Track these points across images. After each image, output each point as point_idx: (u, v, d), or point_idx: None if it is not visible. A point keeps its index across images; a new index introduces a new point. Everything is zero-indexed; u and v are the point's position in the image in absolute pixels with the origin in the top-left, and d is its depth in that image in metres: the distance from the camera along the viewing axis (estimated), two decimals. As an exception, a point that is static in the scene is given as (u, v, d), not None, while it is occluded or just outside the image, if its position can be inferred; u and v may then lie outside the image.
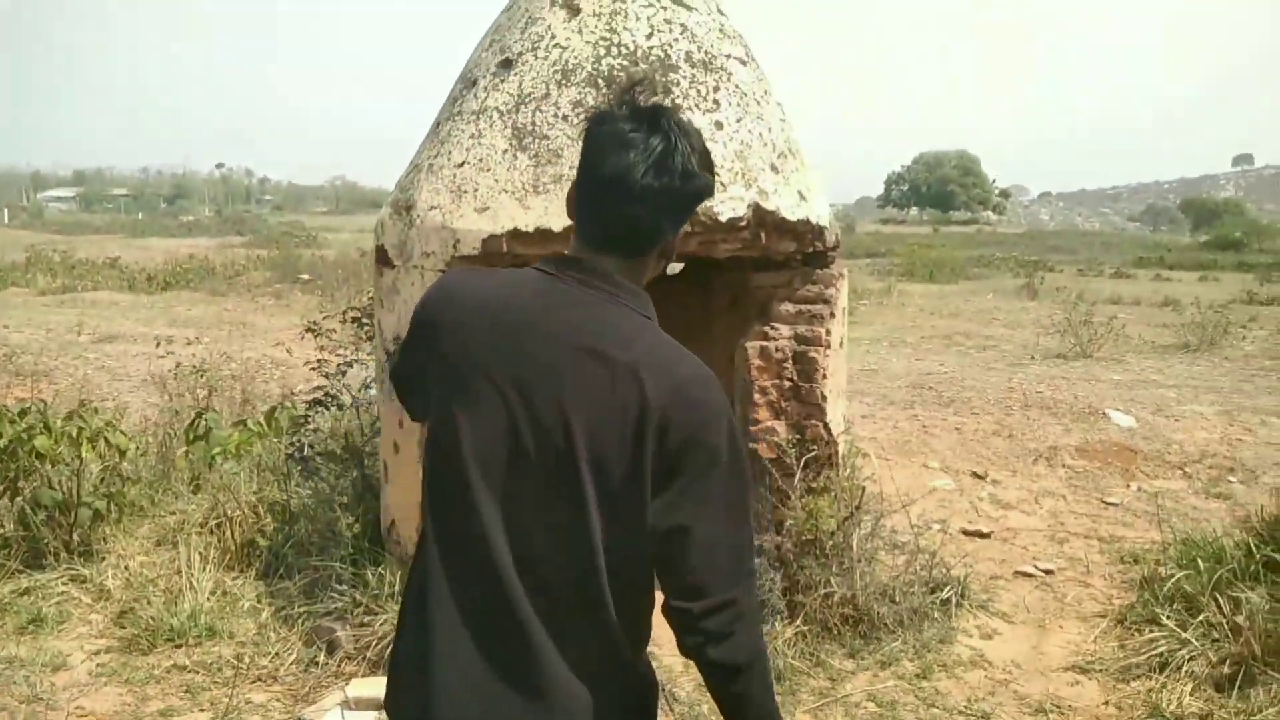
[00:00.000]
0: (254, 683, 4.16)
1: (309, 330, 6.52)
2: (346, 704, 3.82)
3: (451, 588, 1.58)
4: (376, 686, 3.96)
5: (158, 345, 9.03)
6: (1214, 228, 54.79)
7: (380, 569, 4.56)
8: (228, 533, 5.24)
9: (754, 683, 1.59)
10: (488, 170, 4.08)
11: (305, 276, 21.43)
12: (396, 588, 4.45)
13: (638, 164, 1.53)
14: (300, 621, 4.52)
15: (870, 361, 11.04)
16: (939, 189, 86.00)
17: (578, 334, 1.56)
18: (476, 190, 4.06)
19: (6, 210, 66.67)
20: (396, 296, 4.40)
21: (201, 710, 3.88)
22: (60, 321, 14.01)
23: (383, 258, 4.52)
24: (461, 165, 4.16)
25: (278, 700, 3.99)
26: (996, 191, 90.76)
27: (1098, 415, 7.77)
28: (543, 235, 3.95)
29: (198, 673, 4.17)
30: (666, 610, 1.60)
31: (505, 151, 4.10)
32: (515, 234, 3.95)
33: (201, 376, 8.51)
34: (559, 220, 3.91)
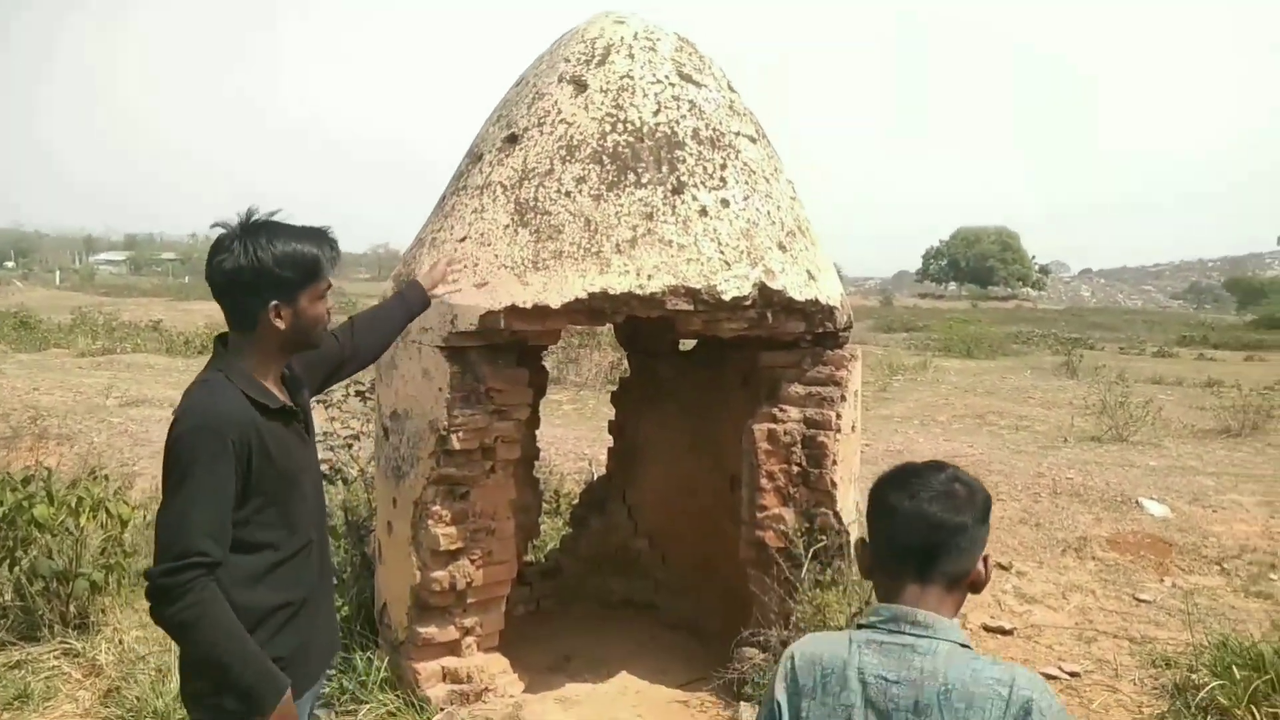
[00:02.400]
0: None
1: (319, 402, 6.46)
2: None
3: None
4: (356, 780, 3.79)
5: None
6: (1260, 306, 53.85)
7: (369, 654, 4.41)
8: (225, 609, 5.11)
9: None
10: (488, 245, 4.01)
11: (341, 343, 21.52)
12: (384, 674, 4.30)
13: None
14: (289, 705, 4.36)
15: (897, 441, 10.78)
16: (977, 264, 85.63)
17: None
18: (477, 265, 3.98)
19: (59, 272, 68.50)
20: (395, 372, 4.32)
21: (177, 800, 3.71)
22: (92, 384, 14.13)
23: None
24: (463, 240, 4.10)
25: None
26: (1036, 267, 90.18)
27: (1130, 504, 7.45)
28: (540, 312, 3.85)
29: (180, 758, 4.03)
30: None
31: (507, 226, 4.03)
32: (513, 310, 3.86)
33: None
34: (557, 297, 3.82)
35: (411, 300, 3.23)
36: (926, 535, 1.68)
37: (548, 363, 16.68)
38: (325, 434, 6.21)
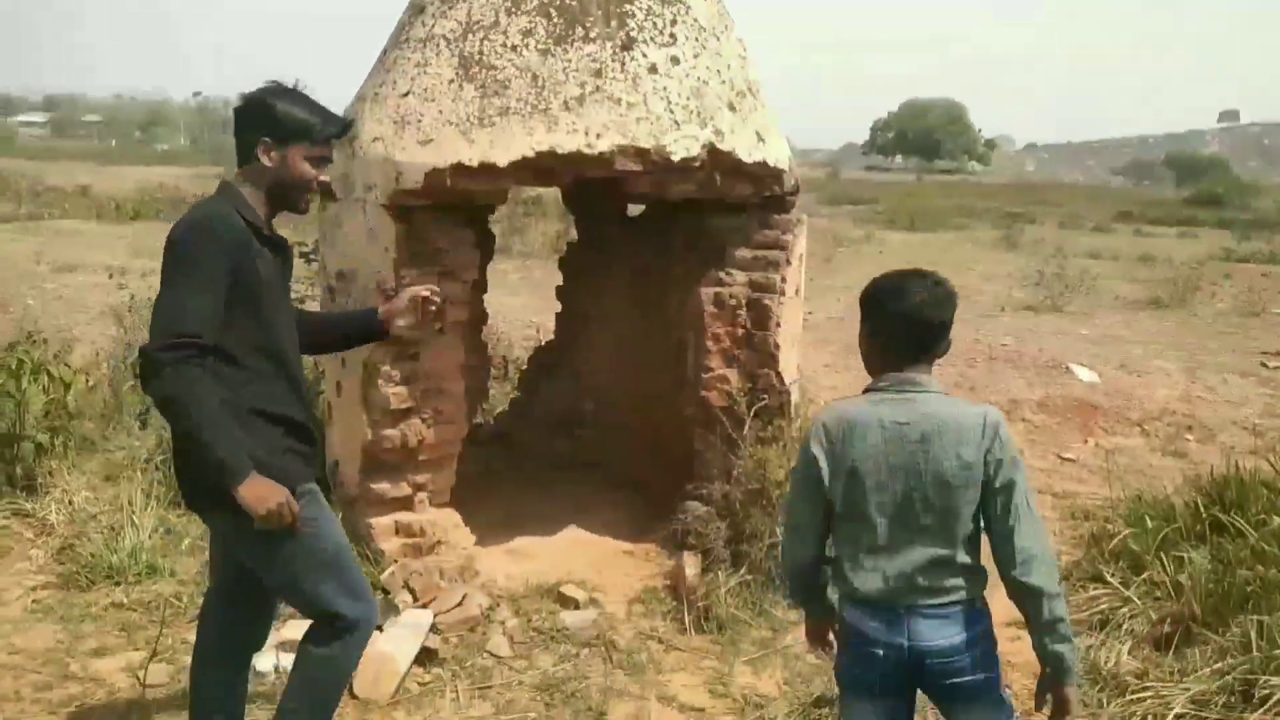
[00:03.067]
0: (191, 621, 4.08)
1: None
2: (283, 645, 3.76)
3: None
4: (313, 628, 3.92)
5: (110, 276, 8.80)
6: (1198, 184, 54.72)
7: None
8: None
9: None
10: (432, 101, 3.93)
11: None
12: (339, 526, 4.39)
13: None
14: (243, 559, 4.45)
15: (839, 309, 10.97)
16: (925, 137, 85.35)
17: None
18: (420, 121, 3.91)
19: (-26, 134, 65.14)
20: (339, 231, 4.27)
21: (136, 649, 3.81)
22: (21, 251, 13.71)
23: (326, 191, 4.38)
24: (406, 95, 4.00)
25: (213, 640, 3.93)
26: (982, 141, 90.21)
27: (1061, 370, 7.74)
28: (487, 171, 3.81)
29: (135, 611, 4.12)
30: None
31: (451, 81, 3.94)
32: (459, 168, 3.81)
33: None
34: (504, 155, 3.78)
35: (361, 326, 3.21)
36: (924, 333, 2.28)
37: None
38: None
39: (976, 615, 2.29)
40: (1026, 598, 2.21)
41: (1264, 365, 8.67)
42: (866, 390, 2.35)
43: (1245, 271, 16.43)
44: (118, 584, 4.26)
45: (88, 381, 6.43)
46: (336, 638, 2.70)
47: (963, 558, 2.26)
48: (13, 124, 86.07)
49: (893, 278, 2.34)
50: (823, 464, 2.28)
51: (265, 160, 2.60)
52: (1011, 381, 7.45)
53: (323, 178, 2.70)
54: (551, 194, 17.07)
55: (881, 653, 2.25)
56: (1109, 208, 37.11)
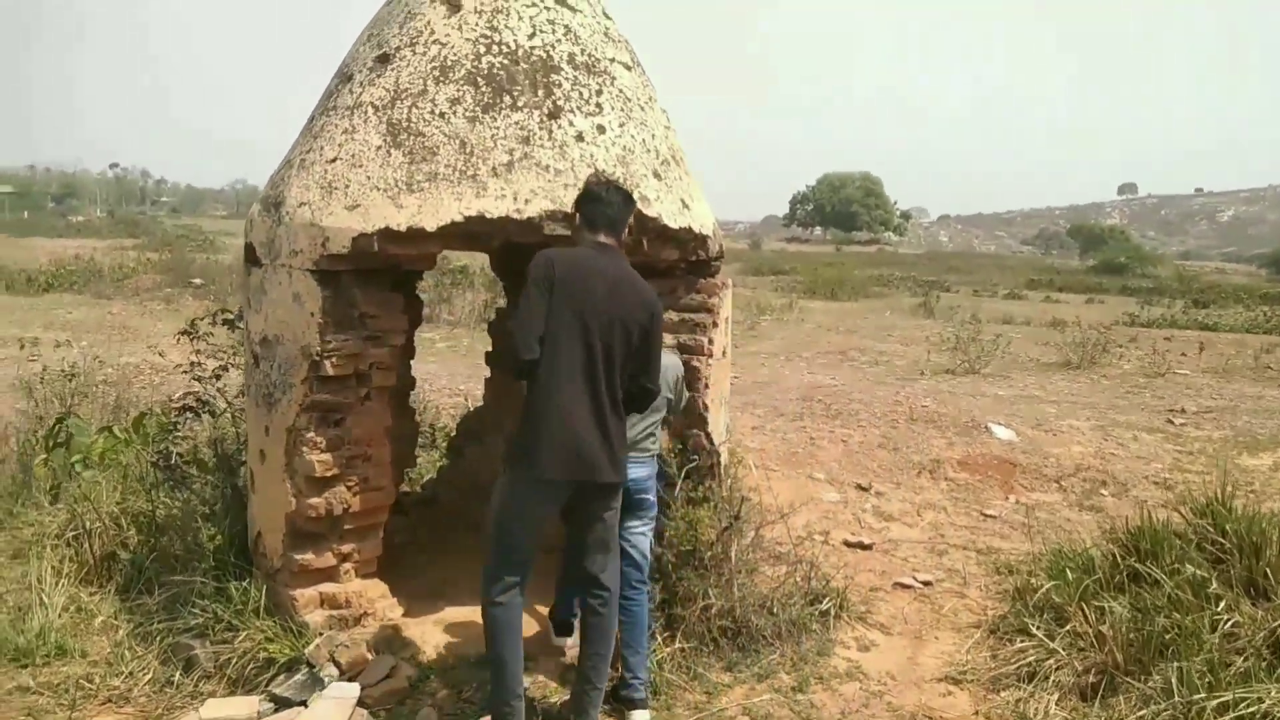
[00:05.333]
0: (104, 704, 3.93)
1: (184, 333, 6.21)
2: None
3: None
4: (232, 707, 3.77)
5: (23, 348, 8.51)
6: (1101, 253, 57.12)
7: (245, 583, 4.35)
8: (86, 545, 4.96)
9: None
10: (360, 166, 3.94)
11: (198, 281, 20.65)
12: (261, 602, 4.25)
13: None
14: (159, 639, 4.30)
15: (764, 374, 11.12)
16: (843, 209, 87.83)
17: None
18: (348, 187, 3.91)
19: (-124, 206, 62.75)
20: (264, 297, 4.21)
21: (43, 736, 3.62)
22: (-82, 323, 13.19)
23: (251, 256, 4.34)
24: (333, 161, 4.01)
25: (127, 722, 3.77)
26: (898, 213, 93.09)
27: (980, 429, 7.93)
28: (416, 235, 3.82)
29: (42, 694, 3.93)
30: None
31: (379, 148, 3.96)
32: (387, 233, 3.81)
33: (70, 381, 8.09)
34: (433, 220, 3.79)
35: None
36: None
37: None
38: (192, 364, 6.02)
39: None
40: None
41: (1170, 422, 9.01)
42: None
43: (1149, 335, 17.13)
44: (24, 666, 4.07)
45: (-15, 451, 6.20)
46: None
47: None
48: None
49: None
50: None
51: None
52: (933, 441, 7.61)
53: None
54: (479, 263, 17.09)
55: None
56: (1019, 276, 38.52)
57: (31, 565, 4.77)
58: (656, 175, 4.23)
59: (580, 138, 4.06)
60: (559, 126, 4.05)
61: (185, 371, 6.15)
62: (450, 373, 10.26)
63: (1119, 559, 4.48)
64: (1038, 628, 4.23)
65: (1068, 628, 4.14)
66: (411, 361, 5.46)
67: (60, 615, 4.38)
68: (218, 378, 6.03)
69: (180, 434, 5.98)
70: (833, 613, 4.51)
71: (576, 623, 4.04)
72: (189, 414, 5.99)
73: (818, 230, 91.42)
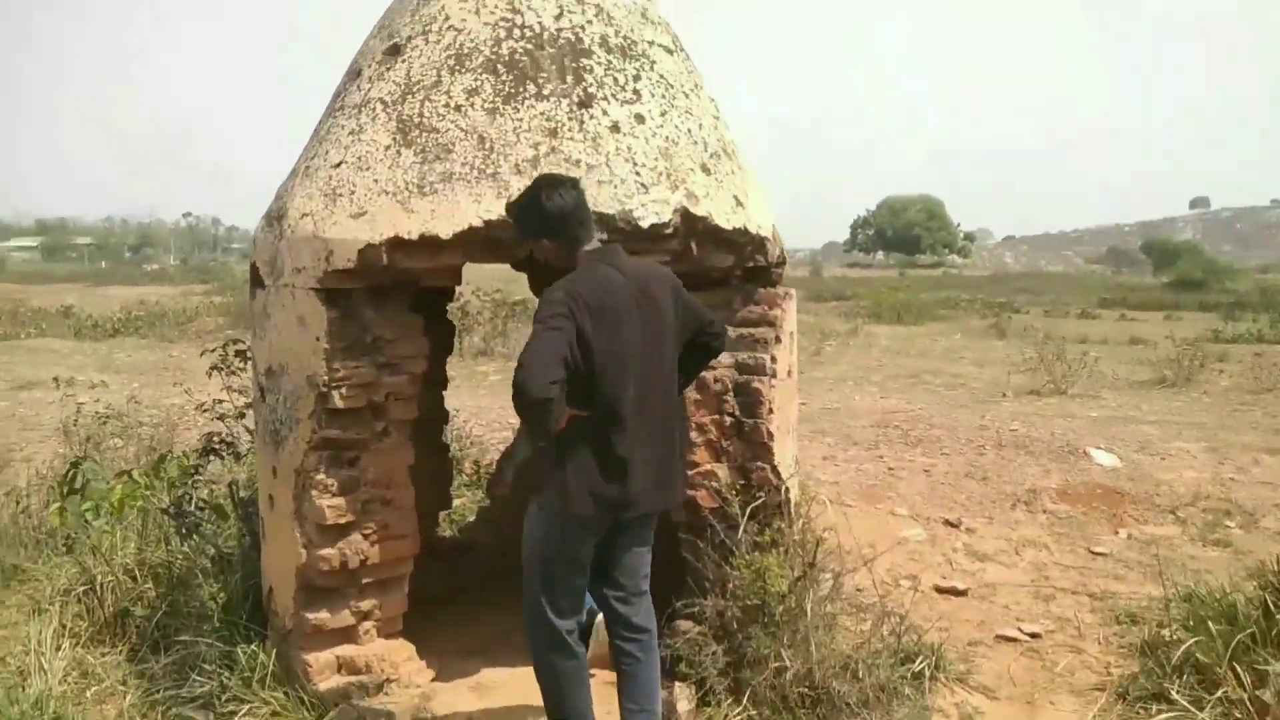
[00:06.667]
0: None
1: (214, 368, 5.82)
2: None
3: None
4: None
5: (57, 387, 8.24)
6: (1175, 269, 55.19)
7: (254, 646, 3.85)
8: (97, 601, 4.54)
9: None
10: (367, 169, 3.45)
11: (260, 322, 20.68)
12: (270, 669, 3.75)
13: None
14: (165, 708, 3.83)
15: (833, 400, 10.46)
16: (904, 233, 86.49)
17: None
18: (354, 193, 3.42)
19: (-35, 259, 65.30)
20: (268, 322, 3.75)
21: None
22: (-19, 370, 13.19)
23: (255, 277, 3.88)
24: (339, 165, 3.53)
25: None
26: (961, 235, 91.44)
27: (1078, 454, 7.18)
28: (429, 244, 3.31)
29: (35, 773, 3.48)
30: None
31: (388, 147, 3.48)
32: (397, 242, 3.31)
33: (105, 424, 7.79)
34: (448, 226, 3.29)
35: None
36: None
37: (476, 336, 16.09)
38: (216, 401, 5.62)
39: None
40: None
41: (1289, 442, 8.13)
42: None
43: (1237, 351, 16.10)
44: (18, 739, 3.64)
45: (19, 505, 5.88)
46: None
47: None
48: (4, 249, 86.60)
49: None
50: None
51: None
52: (1026, 469, 6.88)
53: None
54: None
55: None
56: (1091, 294, 37.17)
57: (33, 625, 4.36)
58: (705, 169, 3.68)
59: (615, 128, 3.53)
60: (591, 116, 3.52)
61: (205, 410, 5.75)
62: (502, 405, 9.79)
63: (1272, 606, 3.75)
64: (1178, 692, 3.53)
65: (1218, 694, 3.42)
66: (443, 391, 4.97)
67: (62, 681, 3.95)
68: (241, 415, 5.62)
69: (202, 478, 5.56)
70: (928, 674, 3.85)
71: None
72: (211, 455, 5.58)
73: (879, 255, 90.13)
